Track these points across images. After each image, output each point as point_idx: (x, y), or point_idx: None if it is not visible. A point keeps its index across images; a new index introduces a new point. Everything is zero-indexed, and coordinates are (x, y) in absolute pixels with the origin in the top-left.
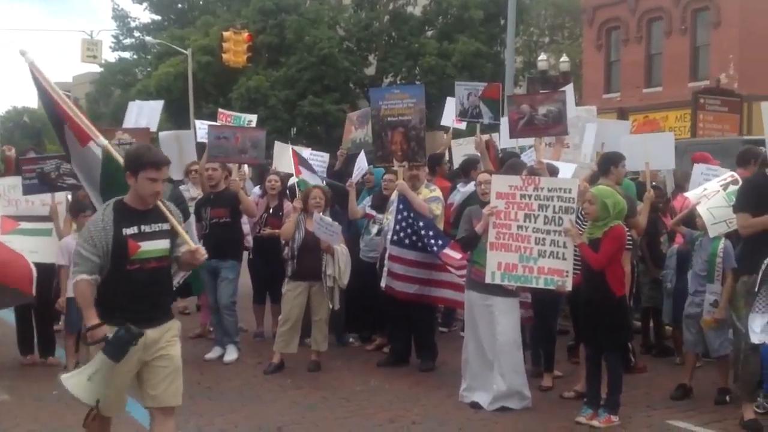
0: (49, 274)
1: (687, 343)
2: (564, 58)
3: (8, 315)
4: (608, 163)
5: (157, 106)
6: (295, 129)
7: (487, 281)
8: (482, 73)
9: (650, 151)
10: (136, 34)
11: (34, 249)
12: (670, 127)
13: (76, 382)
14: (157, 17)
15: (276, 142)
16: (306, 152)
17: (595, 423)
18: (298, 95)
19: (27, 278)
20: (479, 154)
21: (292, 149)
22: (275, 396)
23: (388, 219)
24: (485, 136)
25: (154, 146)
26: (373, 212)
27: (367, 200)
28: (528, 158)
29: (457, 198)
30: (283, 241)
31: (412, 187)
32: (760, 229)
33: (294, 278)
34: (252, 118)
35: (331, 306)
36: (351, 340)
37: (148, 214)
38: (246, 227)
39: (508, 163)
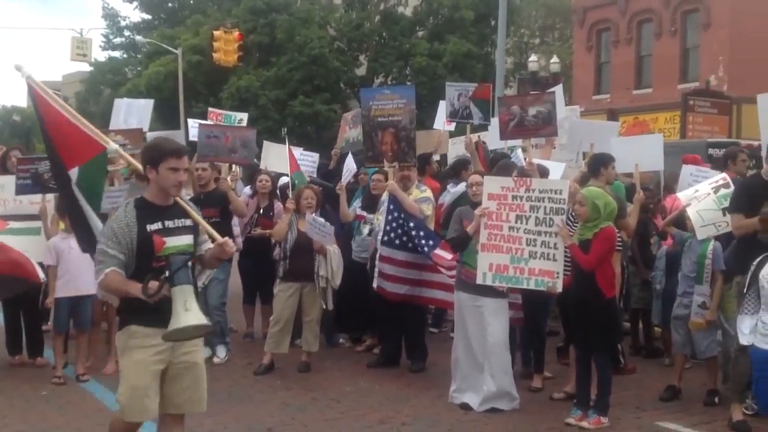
0: None
1: (675, 345)
2: (554, 59)
3: None
4: (598, 165)
5: (147, 104)
6: (285, 129)
7: (479, 282)
8: (473, 73)
9: (640, 152)
10: (127, 33)
11: (23, 248)
12: (659, 128)
13: (184, 318)
14: (148, 16)
15: (265, 142)
16: (297, 152)
17: (584, 424)
18: (288, 95)
19: (32, 268)
20: (469, 155)
21: (289, 147)
22: (265, 397)
23: (379, 219)
24: (474, 136)
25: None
26: (364, 213)
27: (357, 201)
28: (517, 158)
29: (447, 198)
30: (274, 242)
31: (403, 187)
32: (752, 231)
33: (286, 279)
34: (243, 117)
35: (324, 306)
36: (341, 340)
37: (169, 209)
38: (236, 229)
39: (499, 164)
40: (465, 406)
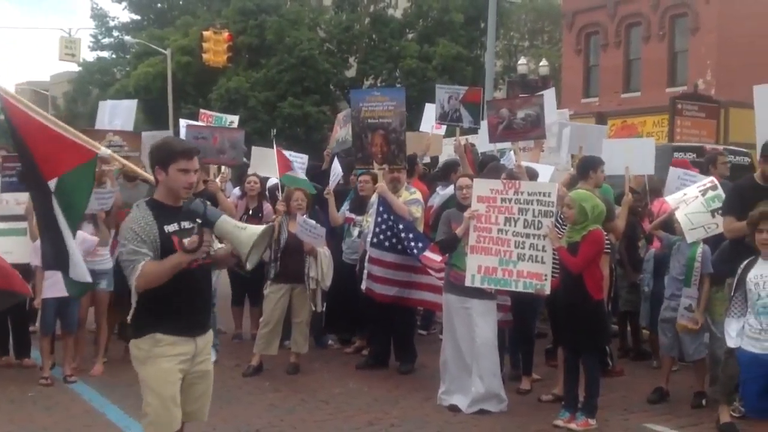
0: (24, 275)
1: (663, 347)
2: (543, 62)
3: None
4: (587, 168)
5: (131, 105)
6: (275, 130)
7: (467, 284)
8: (462, 76)
9: (630, 155)
10: (115, 33)
11: (9, 250)
12: (647, 132)
13: (246, 235)
14: (137, 17)
15: (254, 147)
16: (287, 153)
17: (572, 426)
18: (278, 96)
19: (19, 280)
20: (458, 158)
21: (277, 148)
22: (254, 398)
23: (368, 221)
24: (462, 139)
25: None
26: (353, 215)
27: (346, 204)
28: (509, 161)
29: (436, 201)
30: None
31: (393, 189)
32: (742, 234)
33: (276, 280)
34: (234, 119)
35: (313, 308)
36: (330, 342)
37: (180, 210)
38: None
39: (489, 166)
40: (453, 408)
